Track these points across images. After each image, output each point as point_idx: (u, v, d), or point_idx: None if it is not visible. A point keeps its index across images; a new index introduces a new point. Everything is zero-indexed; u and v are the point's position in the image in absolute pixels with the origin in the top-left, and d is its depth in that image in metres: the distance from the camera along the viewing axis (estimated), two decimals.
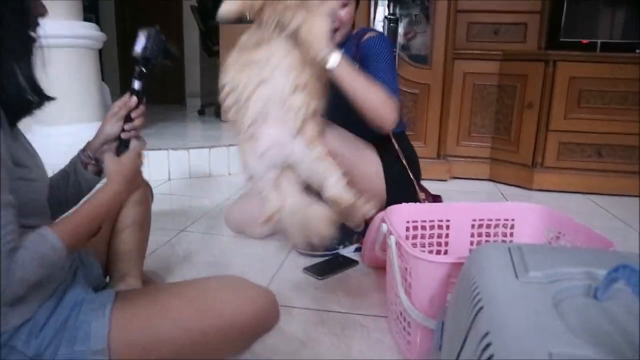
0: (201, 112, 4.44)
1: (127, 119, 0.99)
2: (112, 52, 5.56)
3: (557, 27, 2.59)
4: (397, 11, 2.67)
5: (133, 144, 0.99)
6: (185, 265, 1.51)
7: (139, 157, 0.96)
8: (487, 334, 0.53)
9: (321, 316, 1.24)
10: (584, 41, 2.56)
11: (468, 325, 0.60)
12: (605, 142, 2.50)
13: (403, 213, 1.23)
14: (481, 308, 0.59)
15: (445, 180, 2.69)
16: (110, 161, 0.91)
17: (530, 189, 2.58)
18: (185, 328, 0.80)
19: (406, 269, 0.98)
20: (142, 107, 1.00)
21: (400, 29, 2.73)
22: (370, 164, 1.55)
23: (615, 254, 0.74)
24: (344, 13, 1.47)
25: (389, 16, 2.07)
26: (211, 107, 4.37)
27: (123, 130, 0.98)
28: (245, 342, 0.89)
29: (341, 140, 1.47)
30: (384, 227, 1.11)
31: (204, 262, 1.55)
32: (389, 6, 2.17)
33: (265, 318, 0.88)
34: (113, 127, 0.99)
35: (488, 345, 0.51)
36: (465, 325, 0.63)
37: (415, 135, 2.64)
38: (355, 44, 1.56)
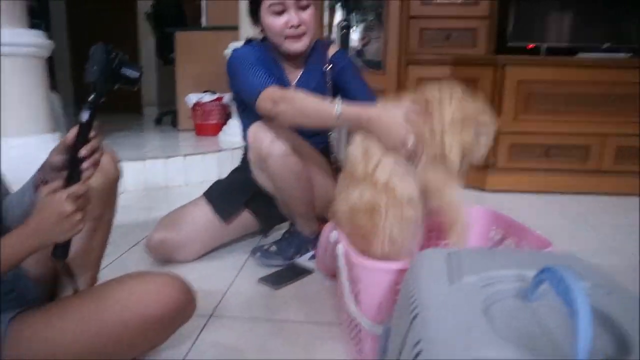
0: (158, 121, 4.37)
1: (76, 148, 0.85)
2: (65, 60, 5.41)
3: (504, 32, 2.67)
4: (353, 17, 2.71)
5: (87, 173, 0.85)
6: None
7: (71, 199, 0.80)
8: (419, 341, 0.54)
9: (277, 326, 1.23)
10: (530, 45, 2.66)
11: (405, 332, 0.61)
12: (553, 143, 2.60)
13: None
14: (416, 315, 0.60)
15: None
16: (41, 195, 0.80)
17: (484, 190, 2.65)
18: (85, 321, 0.78)
19: (354, 276, 0.99)
20: (92, 143, 0.85)
21: (356, 35, 2.77)
22: (325, 173, 1.57)
23: (548, 255, 0.77)
24: (306, 16, 1.47)
25: (341, 23, 2.09)
26: (168, 116, 4.30)
27: (72, 161, 0.85)
28: (159, 333, 0.88)
29: (308, 149, 1.52)
30: (333, 235, 1.11)
31: None
32: (343, 12, 2.20)
33: (175, 306, 0.87)
34: (56, 157, 0.87)
35: (419, 353, 0.52)
36: (403, 332, 0.64)
37: None
38: (322, 54, 1.60)
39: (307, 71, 1.59)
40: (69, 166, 0.85)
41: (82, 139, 0.85)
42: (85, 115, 0.85)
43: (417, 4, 2.69)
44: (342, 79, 1.60)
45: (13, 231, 0.78)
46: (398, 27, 2.61)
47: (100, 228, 1.12)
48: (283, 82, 1.54)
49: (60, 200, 0.79)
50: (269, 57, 1.54)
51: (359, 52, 2.73)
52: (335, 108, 1.22)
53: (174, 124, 4.02)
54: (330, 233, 1.13)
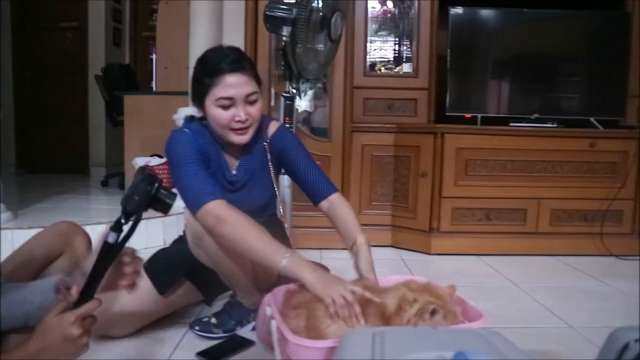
0: (104, 183, 4.28)
1: (98, 267, 0.84)
2: (10, 125, 5.24)
3: (443, 103, 2.83)
4: (299, 86, 2.81)
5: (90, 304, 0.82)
6: None
7: (79, 322, 0.79)
8: None
9: None
10: (467, 115, 2.82)
11: None
12: (492, 207, 2.71)
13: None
14: None
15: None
16: (48, 316, 0.79)
17: (430, 254, 2.70)
18: None
19: (287, 352, 0.98)
20: (130, 268, 0.86)
21: (303, 103, 2.86)
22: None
23: (471, 334, 0.79)
24: (254, 110, 1.46)
25: (284, 94, 2.16)
26: (115, 178, 4.23)
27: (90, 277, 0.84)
28: None
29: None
30: (268, 310, 1.11)
31: None
32: (290, 81, 2.28)
33: None
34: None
35: None
36: None
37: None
38: (263, 131, 1.59)
39: (248, 154, 1.58)
40: (86, 282, 0.83)
41: (107, 259, 0.84)
42: (112, 237, 0.84)
43: (360, 75, 2.83)
44: (286, 158, 1.60)
45: (13, 350, 0.76)
46: (342, 96, 2.73)
47: None
48: (222, 169, 1.55)
49: (67, 323, 0.77)
50: (208, 142, 1.53)
51: (305, 120, 2.82)
52: (281, 259, 1.22)
53: (121, 186, 3.94)
54: (266, 307, 1.12)
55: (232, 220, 1.28)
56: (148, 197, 0.87)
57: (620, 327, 0.83)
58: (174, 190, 1.02)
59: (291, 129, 2.11)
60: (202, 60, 1.47)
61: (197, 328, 1.55)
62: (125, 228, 0.88)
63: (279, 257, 1.23)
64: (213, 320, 1.56)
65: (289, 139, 1.62)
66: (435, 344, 0.72)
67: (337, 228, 1.52)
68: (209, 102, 1.43)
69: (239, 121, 1.43)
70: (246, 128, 1.46)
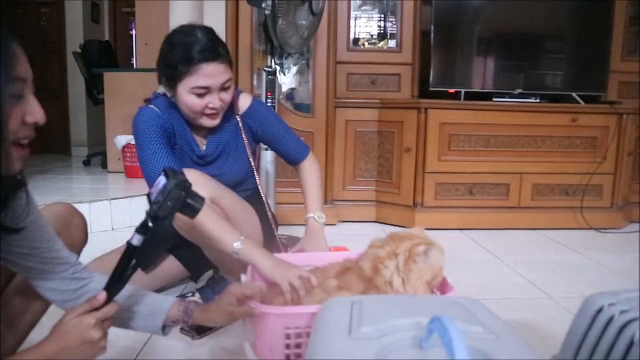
0: (86, 163, 4.22)
1: (121, 269, 0.84)
2: None
3: (427, 78, 2.82)
4: (282, 61, 2.77)
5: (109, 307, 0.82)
6: None
7: (99, 325, 0.78)
8: None
9: None
10: (451, 90, 2.82)
11: None
12: (475, 181, 2.73)
13: None
14: None
15: (334, 225, 2.76)
16: (65, 318, 0.78)
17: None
18: None
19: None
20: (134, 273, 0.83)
21: (287, 79, 2.83)
22: (250, 214, 1.57)
23: (448, 301, 0.80)
24: (227, 95, 1.46)
25: (266, 68, 2.13)
26: (97, 157, 4.17)
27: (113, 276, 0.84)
28: None
29: (229, 196, 1.51)
30: (242, 277, 1.12)
31: None
32: (272, 57, 2.25)
33: None
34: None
35: None
36: None
37: None
38: (232, 106, 1.58)
39: (218, 131, 1.57)
40: (107, 283, 0.83)
41: (134, 263, 0.84)
42: (137, 239, 0.83)
43: (343, 50, 2.80)
44: (262, 130, 1.63)
45: (29, 350, 0.75)
46: (325, 72, 2.70)
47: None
48: (190, 144, 1.54)
49: (88, 326, 0.77)
50: (175, 118, 1.52)
51: (288, 96, 2.79)
52: (233, 243, 1.25)
53: (104, 165, 3.89)
54: (241, 275, 1.14)
55: None
56: (181, 203, 0.86)
57: (595, 293, 0.85)
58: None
59: (269, 103, 2.10)
60: (173, 43, 1.43)
61: None
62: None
63: (232, 241, 1.25)
64: (197, 295, 1.56)
65: (262, 113, 1.64)
66: (412, 310, 0.72)
67: (302, 191, 1.65)
68: (182, 89, 1.41)
69: (212, 108, 1.44)
70: (218, 113, 1.47)
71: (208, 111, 1.44)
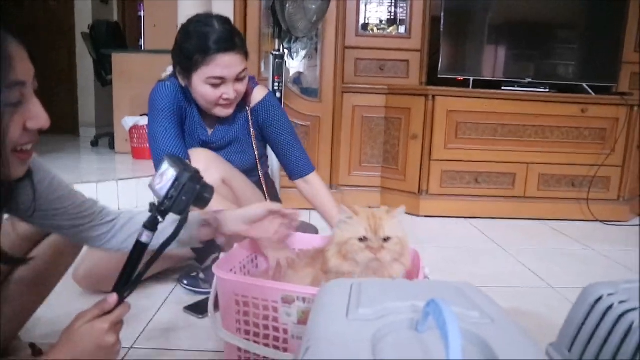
0: (94, 144, 4.24)
1: (129, 265, 0.82)
2: None
3: (436, 65, 2.80)
4: (291, 45, 2.76)
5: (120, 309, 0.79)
6: (61, 320, 1.41)
7: (113, 329, 0.76)
8: None
9: (201, 356, 1.21)
10: (459, 78, 2.79)
11: None
12: (481, 170, 2.72)
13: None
14: (308, 348, 0.61)
15: None
16: (76, 324, 0.75)
17: (418, 216, 2.73)
18: None
19: None
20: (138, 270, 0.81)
21: (294, 62, 2.82)
22: (257, 195, 1.59)
23: (445, 285, 0.81)
24: (241, 86, 1.46)
25: (274, 52, 2.12)
26: (105, 138, 4.19)
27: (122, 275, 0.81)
28: None
29: (240, 178, 1.53)
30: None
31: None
32: (280, 41, 2.24)
33: None
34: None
35: None
36: None
37: None
38: (245, 97, 1.57)
39: (227, 122, 1.57)
40: (117, 282, 0.81)
41: (138, 260, 0.82)
42: (146, 236, 0.81)
43: (352, 35, 2.78)
44: (268, 130, 1.61)
45: (42, 357, 0.74)
46: (334, 56, 2.69)
47: (46, 291, 1.09)
48: (197, 128, 1.55)
49: (101, 331, 0.75)
50: (187, 101, 1.52)
51: (295, 80, 2.79)
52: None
53: (111, 146, 3.91)
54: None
55: None
56: (194, 196, 0.82)
57: (595, 282, 0.85)
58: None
59: (276, 86, 2.10)
60: (189, 33, 1.41)
61: (185, 282, 1.57)
62: (161, 227, 0.84)
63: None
64: (201, 275, 1.58)
65: (273, 110, 1.61)
66: (410, 294, 0.73)
67: (316, 207, 1.58)
68: (197, 79, 1.41)
69: (227, 98, 1.43)
70: (232, 103, 1.47)
71: (222, 102, 1.44)
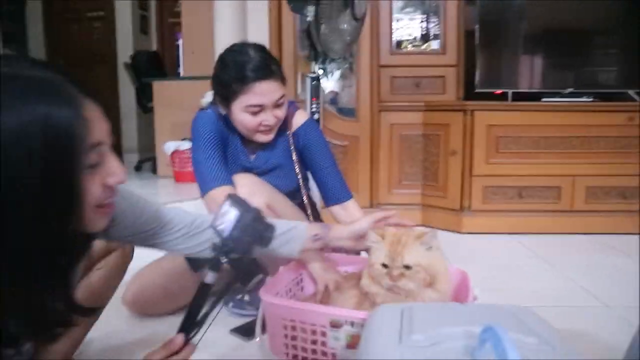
0: (138, 168, 4.38)
1: (194, 308, 0.82)
2: None
3: (472, 80, 2.76)
4: (326, 66, 2.79)
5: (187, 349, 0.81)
6: (110, 342, 1.45)
7: None
8: None
9: None
10: (497, 91, 2.75)
11: None
12: (524, 184, 2.65)
13: None
14: None
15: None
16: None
17: (460, 233, 2.67)
18: None
19: None
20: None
21: (330, 83, 2.84)
22: (299, 218, 1.59)
23: (500, 310, 0.78)
24: (281, 112, 1.48)
25: (310, 74, 2.15)
26: (148, 163, 4.32)
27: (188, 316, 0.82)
28: None
29: (284, 202, 1.53)
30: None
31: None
32: (316, 61, 2.26)
33: None
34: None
35: None
36: None
37: None
38: (287, 121, 1.58)
39: (269, 148, 1.58)
40: (182, 324, 0.83)
41: (202, 300, 0.83)
42: (210, 277, 0.82)
43: (386, 54, 2.79)
44: (308, 155, 1.61)
45: None
46: (369, 76, 2.70)
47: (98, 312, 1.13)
48: (239, 155, 1.57)
49: None
50: (229, 130, 1.54)
51: (332, 101, 2.81)
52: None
53: (154, 170, 4.03)
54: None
55: None
56: (257, 237, 0.83)
57: None
58: None
59: (314, 108, 2.11)
60: (226, 62, 1.44)
61: (231, 305, 1.58)
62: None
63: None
64: (246, 297, 1.58)
65: (313, 135, 1.62)
66: (463, 319, 0.71)
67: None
68: (236, 107, 1.44)
69: (266, 125, 1.46)
70: (272, 129, 1.49)
71: (262, 128, 1.46)
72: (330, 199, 1.61)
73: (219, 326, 1.50)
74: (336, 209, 1.60)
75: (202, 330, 1.45)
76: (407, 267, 1.02)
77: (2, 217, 0.54)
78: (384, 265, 1.02)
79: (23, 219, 0.56)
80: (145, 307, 1.55)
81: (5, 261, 0.56)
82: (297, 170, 1.63)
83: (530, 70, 2.84)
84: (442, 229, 2.74)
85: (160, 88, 3.74)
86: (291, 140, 1.61)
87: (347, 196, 1.60)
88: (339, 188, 1.61)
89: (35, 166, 0.55)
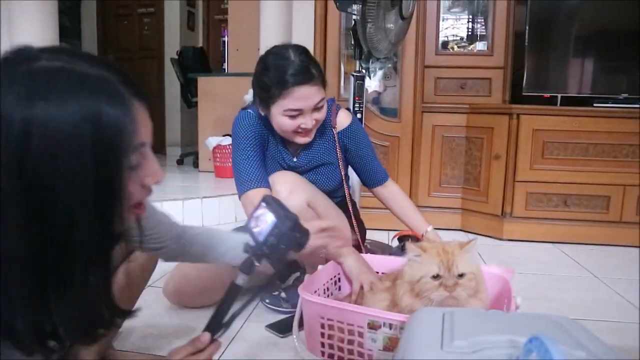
0: (180, 162, 4.47)
1: (223, 307, 0.83)
2: None
3: (520, 82, 2.69)
4: (369, 65, 2.77)
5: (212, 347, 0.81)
6: (149, 331, 1.49)
7: None
8: None
9: None
10: (546, 95, 2.67)
11: None
12: (571, 192, 2.57)
13: None
14: None
15: None
16: (168, 357, 0.78)
17: (501, 239, 2.61)
18: None
19: None
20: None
21: (373, 82, 2.82)
22: (341, 217, 1.61)
23: (546, 319, 0.76)
24: (320, 115, 1.47)
25: (354, 73, 2.14)
26: (190, 157, 4.41)
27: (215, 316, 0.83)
28: None
29: (324, 201, 1.56)
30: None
31: (168, 322, 1.53)
32: (360, 60, 2.26)
33: None
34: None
35: None
36: None
37: None
38: (330, 119, 1.60)
39: (310, 146, 1.59)
40: (209, 322, 0.84)
41: (231, 301, 0.84)
42: (242, 279, 0.83)
43: (431, 54, 2.75)
44: (353, 151, 1.65)
45: None
46: (413, 76, 2.67)
47: (134, 300, 1.16)
48: (281, 154, 1.59)
49: None
50: (269, 130, 1.56)
51: (375, 100, 2.79)
52: None
53: (196, 165, 4.11)
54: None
55: None
56: (293, 244, 0.83)
57: None
58: None
59: (357, 107, 2.12)
60: (267, 65, 1.44)
61: (267, 301, 1.59)
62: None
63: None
64: (282, 294, 1.60)
65: (361, 134, 1.67)
66: (506, 327, 0.69)
67: (396, 213, 1.68)
68: (276, 110, 1.44)
69: (304, 128, 1.46)
70: (311, 131, 1.49)
71: (300, 130, 1.47)
72: (373, 182, 1.70)
73: (255, 322, 1.52)
74: (379, 190, 1.71)
75: (238, 324, 1.48)
76: (461, 275, 1.00)
77: (50, 215, 0.54)
78: (435, 277, 1.00)
79: (71, 217, 0.55)
80: (184, 299, 1.59)
81: (52, 263, 0.56)
82: (341, 165, 1.63)
83: (581, 74, 2.74)
84: (482, 235, 2.69)
85: (205, 83, 3.81)
86: (336, 138, 1.61)
87: (386, 176, 1.71)
88: (379, 171, 1.70)
89: (84, 162, 0.54)
